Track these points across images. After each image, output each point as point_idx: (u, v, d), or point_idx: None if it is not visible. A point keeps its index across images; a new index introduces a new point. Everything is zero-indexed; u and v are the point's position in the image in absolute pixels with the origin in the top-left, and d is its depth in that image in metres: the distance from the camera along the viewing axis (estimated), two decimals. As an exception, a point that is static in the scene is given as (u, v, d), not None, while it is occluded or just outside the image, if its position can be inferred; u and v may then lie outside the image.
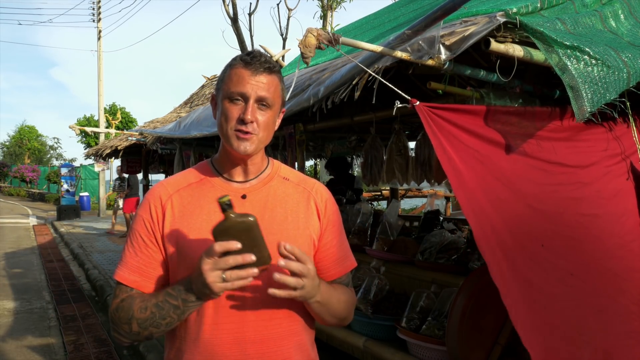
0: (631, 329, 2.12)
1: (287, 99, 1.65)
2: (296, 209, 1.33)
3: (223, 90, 1.26)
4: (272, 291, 1.14)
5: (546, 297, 1.92)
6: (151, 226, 1.28)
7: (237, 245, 1.09)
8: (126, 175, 11.01)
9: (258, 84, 1.22)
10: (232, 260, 1.09)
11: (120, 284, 1.27)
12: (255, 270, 1.10)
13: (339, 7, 15.01)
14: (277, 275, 1.13)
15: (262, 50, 1.31)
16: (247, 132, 1.23)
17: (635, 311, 2.14)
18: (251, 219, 1.12)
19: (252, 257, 1.09)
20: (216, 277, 1.09)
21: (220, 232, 1.11)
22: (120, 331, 1.24)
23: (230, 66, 1.27)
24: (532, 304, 1.88)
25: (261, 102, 1.24)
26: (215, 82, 1.35)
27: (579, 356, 1.94)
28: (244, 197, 1.30)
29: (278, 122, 1.33)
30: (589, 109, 1.72)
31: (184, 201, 1.29)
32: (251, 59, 1.23)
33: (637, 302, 2.15)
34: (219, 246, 1.09)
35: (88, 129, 9.01)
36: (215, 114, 1.31)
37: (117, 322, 1.24)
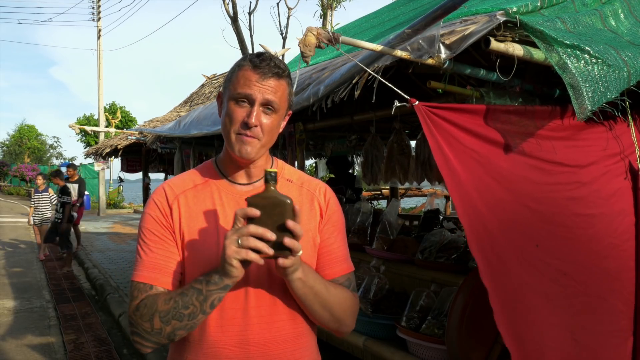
0: (619, 328, 2.14)
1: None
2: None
3: (229, 90, 1.25)
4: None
5: (539, 297, 1.92)
6: (163, 222, 1.26)
7: (255, 212, 1.06)
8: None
9: (265, 88, 1.21)
10: (253, 228, 1.05)
11: (138, 284, 1.21)
12: (270, 251, 1.05)
13: (339, 6, 15.05)
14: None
15: (271, 53, 1.29)
16: (249, 136, 1.22)
17: (624, 310, 2.15)
18: (288, 200, 1.09)
19: (272, 235, 1.05)
20: (233, 242, 1.06)
21: (253, 203, 1.09)
22: (140, 331, 1.18)
23: (238, 66, 1.25)
24: (524, 304, 1.88)
25: (267, 105, 1.22)
26: (217, 81, 1.34)
27: (567, 355, 1.94)
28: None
29: (283, 124, 1.32)
30: (589, 108, 1.72)
31: (189, 202, 1.28)
32: (260, 62, 1.22)
33: (626, 302, 2.16)
34: (241, 210, 1.08)
35: (88, 128, 8.97)
36: (221, 113, 1.30)
37: (137, 322, 1.18)
